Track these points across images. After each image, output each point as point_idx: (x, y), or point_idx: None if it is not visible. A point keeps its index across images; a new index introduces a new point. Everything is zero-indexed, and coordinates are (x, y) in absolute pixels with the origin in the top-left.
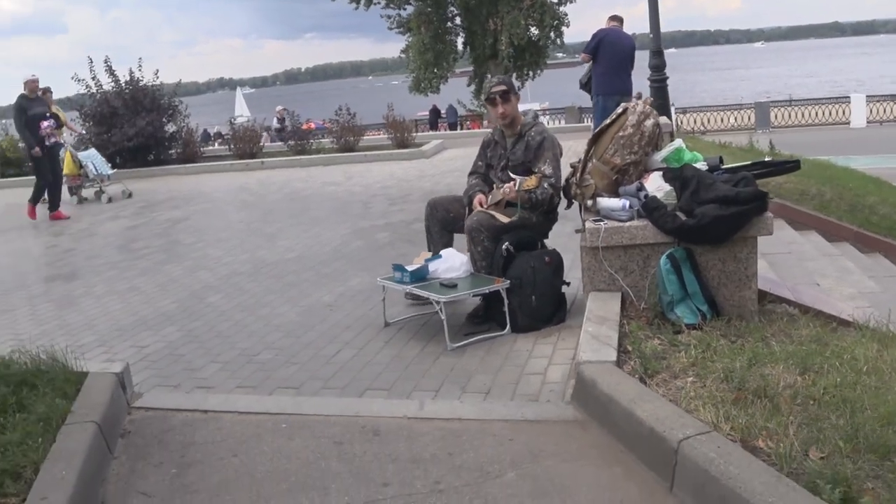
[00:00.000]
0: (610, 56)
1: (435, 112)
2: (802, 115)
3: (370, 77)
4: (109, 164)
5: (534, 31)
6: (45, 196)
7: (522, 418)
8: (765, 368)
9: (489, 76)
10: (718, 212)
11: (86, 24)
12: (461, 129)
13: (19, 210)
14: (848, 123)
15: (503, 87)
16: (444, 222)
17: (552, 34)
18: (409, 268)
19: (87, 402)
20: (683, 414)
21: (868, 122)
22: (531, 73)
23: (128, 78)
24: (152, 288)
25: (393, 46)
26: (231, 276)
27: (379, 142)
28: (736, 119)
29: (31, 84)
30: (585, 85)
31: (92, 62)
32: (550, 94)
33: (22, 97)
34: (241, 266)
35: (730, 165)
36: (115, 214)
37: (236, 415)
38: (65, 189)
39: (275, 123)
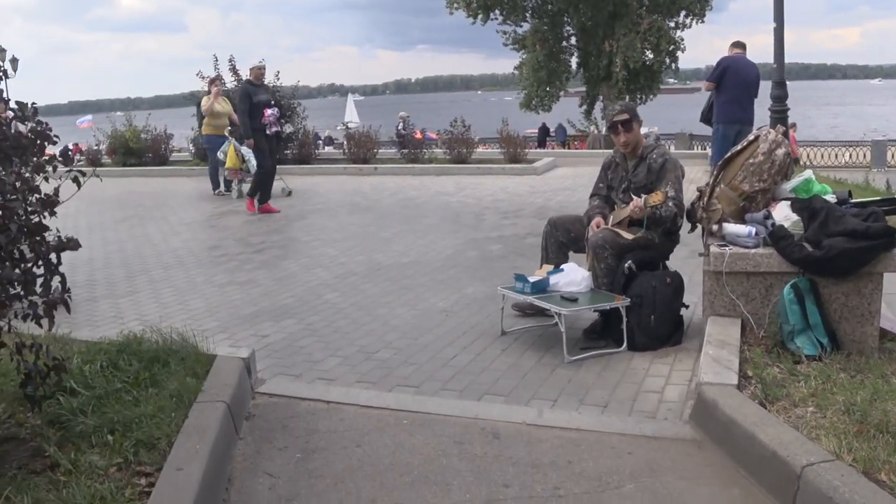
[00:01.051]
0: (734, 84)
1: (544, 130)
2: None
3: (479, 91)
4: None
5: (649, 54)
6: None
7: (640, 433)
8: (886, 405)
9: (601, 98)
10: (846, 245)
11: (206, 24)
12: (568, 148)
13: (136, 197)
14: None
15: (626, 116)
16: (562, 241)
17: (667, 59)
18: (531, 279)
19: (217, 382)
20: (807, 441)
21: None
22: (644, 97)
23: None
24: (271, 281)
25: (503, 63)
26: (347, 276)
27: (490, 155)
28: (851, 156)
29: (258, 70)
30: (707, 115)
31: (217, 60)
32: (661, 120)
33: (248, 83)
34: (356, 267)
35: (859, 200)
36: (234, 209)
37: (358, 407)
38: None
39: (399, 128)
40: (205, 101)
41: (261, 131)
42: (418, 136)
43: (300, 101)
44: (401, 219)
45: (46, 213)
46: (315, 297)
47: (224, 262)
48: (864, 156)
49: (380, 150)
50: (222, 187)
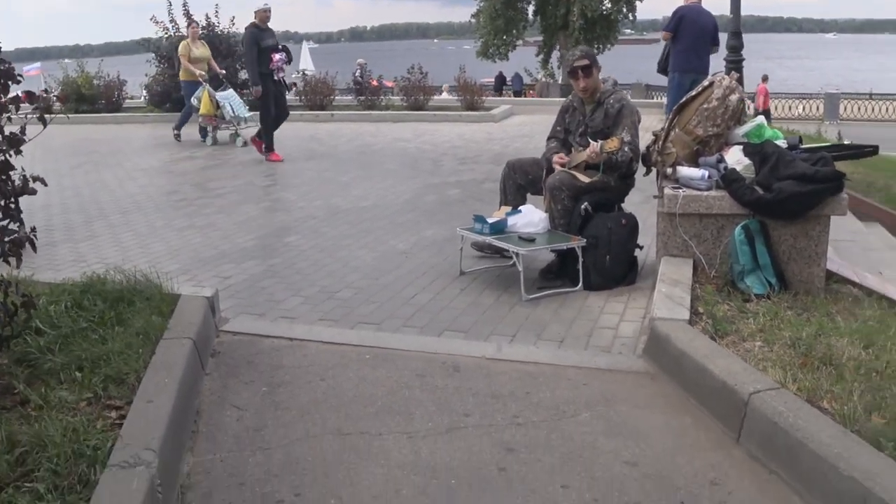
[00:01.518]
0: (690, 33)
1: (500, 79)
2: (872, 110)
3: (435, 40)
4: (247, 107)
5: (606, 4)
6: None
7: (595, 366)
8: (830, 340)
9: (557, 48)
10: (796, 188)
11: None
12: (525, 96)
13: (89, 144)
14: None
15: (585, 61)
16: (520, 183)
17: (625, 8)
18: (490, 220)
19: (182, 320)
20: (754, 371)
21: None
22: (601, 47)
23: (205, 23)
24: (230, 225)
25: (461, 11)
26: (306, 220)
27: (447, 103)
28: (804, 108)
29: (263, 14)
30: (664, 66)
31: (171, 5)
32: (618, 70)
33: (253, 27)
34: (315, 211)
35: (809, 146)
36: (191, 155)
37: (321, 344)
38: (195, 128)
39: (357, 75)
40: (182, 46)
41: (269, 76)
42: (375, 83)
43: None
44: (358, 164)
45: (12, 153)
46: (276, 240)
47: (183, 206)
48: (818, 108)
49: (336, 97)
50: (180, 132)
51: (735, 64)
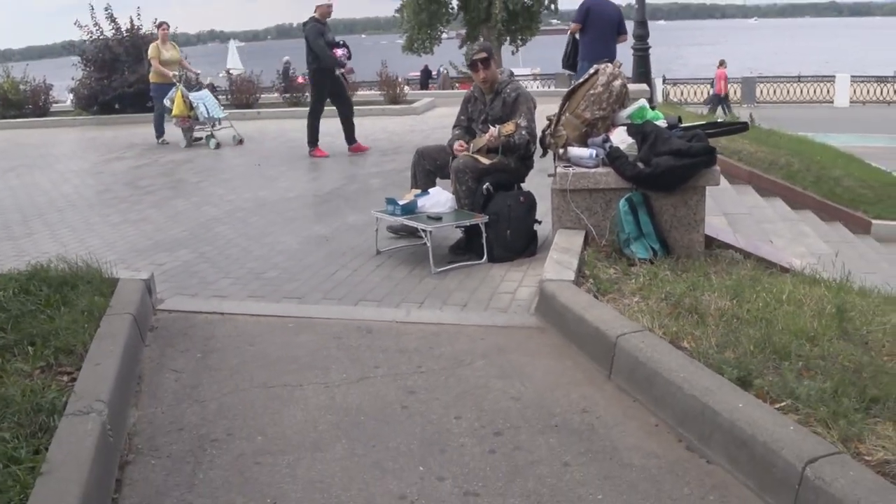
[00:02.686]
0: (597, 25)
1: (426, 73)
2: (787, 92)
3: (363, 35)
4: (223, 107)
5: None
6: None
7: (492, 324)
8: (700, 293)
9: (481, 40)
10: (672, 163)
11: None
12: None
13: (19, 148)
14: (832, 102)
15: (484, 55)
16: (429, 168)
17: (546, 0)
18: (401, 202)
19: (122, 300)
20: (624, 318)
21: (851, 102)
22: (523, 39)
23: (128, 26)
24: (162, 219)
25: (386, 5)
26: (235, 211)
27: (370, 97)
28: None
29: (324, 9)
30: (569, 59)
31: (93, 9)
32: (542, 60)
33: (315, 21)
34: (243, 203)
35: (686, 125)
36: (119, 156)
37: (249, 316)
38: (174, 130)
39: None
40: (152, 48)
41: (326, 72)
42: (300, 80)
43: (182, 49)
44: (285, 159)
45: None
46: (206, 231)
47: (115, 203)
48: (736, 92)
49: (262, 95)
50: (165, 136)
51: (641, 52)
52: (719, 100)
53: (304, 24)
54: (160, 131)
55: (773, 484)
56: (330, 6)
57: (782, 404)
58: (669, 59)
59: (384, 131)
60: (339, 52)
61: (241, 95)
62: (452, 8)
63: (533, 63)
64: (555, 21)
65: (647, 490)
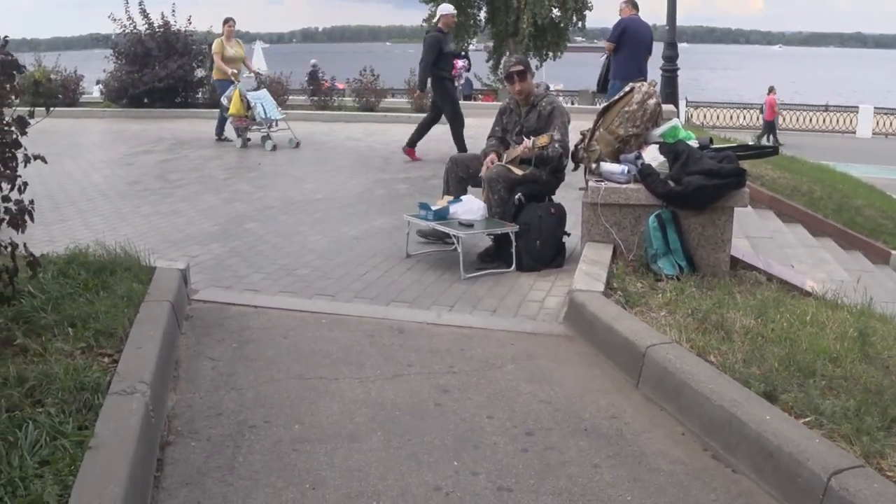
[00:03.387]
0: (632, 44)
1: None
2: (810, 120)
3: (388, 43)
4: (279, 108)
5: (556, 12)
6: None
7: (522, 330)
8: (726, 311)
9: (507, 54)
10: (702, 182)
11: None
12: (474, 101)
13: (49, 136)
14: (854, 133)
15: (520, 67)
16: (462, 176)
17: (574, 17)
18: (434, 207)
19: (160, 287)
20: (653, 330)
21: (874, 134)
22: (550, 55)
23: (161, 22)
24: (193, 212)
25: (412, 14)
26: (264, 209)
27: (397, 104)
28: (745, 118)
29: (448, 19)
30: (603, 84)
31: (128, 3)
32: (566, 77)
33: (438, 31)
34: (272, 201)
35: (717, 146)
36: (149, 149)
37: (282, 311)
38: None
39: (316, 73)
40: (216, 44)
41: (450, 80)
42: (326, 85)
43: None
44: (312, 160)
45: (19, 132)
46: (236, 226)
47: (147, 195)
48: (758, 118)
49: (290, 97)
50: (226, 134)
51: (670, 73)
52: (770, 126)
53: (427, 31)
54: (220, 130)
55: (798, 494)
56: (454, 16)
57: (807, 419)
58: (686, 82)
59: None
60: (460, 63)
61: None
62: (480, 20)
63: (556, 79)
64: (579, 39)
65: (675, 494)
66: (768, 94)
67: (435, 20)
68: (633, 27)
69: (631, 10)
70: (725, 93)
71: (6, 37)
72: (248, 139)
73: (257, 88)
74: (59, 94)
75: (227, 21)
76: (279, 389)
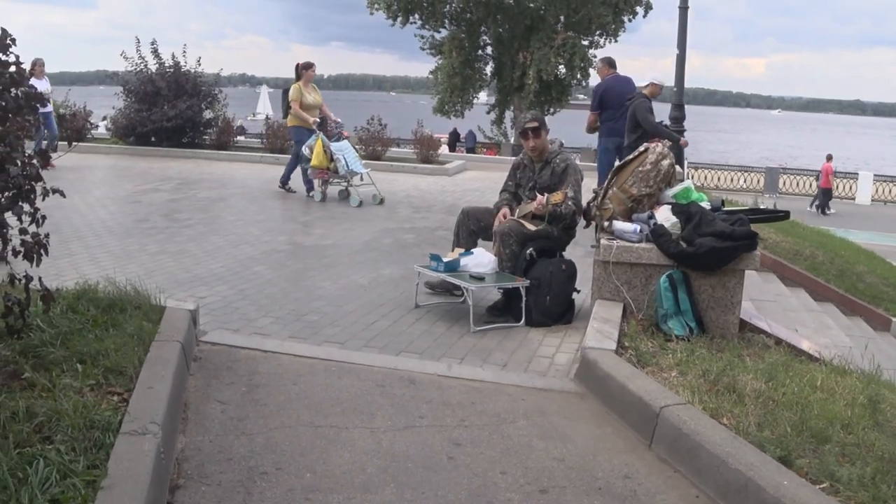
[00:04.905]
0: (610, 106)
1: (454, 135)
2: (810, 185)
3: (392, 93)
4: (362, 161)
5: (561, 69)
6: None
7: (532, 386)
8: (736, 373)
9: (512, 108)
10: (715, 244)
11: (116, 2)
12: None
13: (55, 171)
14: (853, 199)
15: (535, 124)
16: (473, 229)
17: (579, 74)
18: (445, 259)
19: (170, 327)
20: (667, 391)
21: (873, 200)
22: (552, 110)
23: (171, 62)
24: (200, 253)
25: (417, 66)
26: (272, 253)
27: (402, 154)
28: (745, 181)
29: (655, 88)
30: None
31: (139, 42)
32: (567, 133)
33: (644, 97)
34: (280, 245)
35: (729, 209)
36: (156, 188)
37: (292, 356)
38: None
39: (326, 121)
40: (294, 90)
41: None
42: (346, 135)
43: (222, 89)
44: (319, 206)
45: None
46: (244, 269)
47: (154, 233)
48: (758, 181)
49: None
50: (290, 185)
51: (677, 134)
52: (826, 194)
53: (629, 98)
54: (288, 177)
55: None
56: (661, 87)
57: (822, 486)
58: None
59: (416, 189)
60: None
61: (276, 140)
62: (486, 75)
63: (555, 135)
64: (581, 96)
65: None
66: (826, 161)
67: (644, 85)
68: (609, 90)
69: (608, 69)
70: (721, 155)
71: (31, 69)
72: (323, 193)
73: (339, 139)
74: (67, 129)
75: (308, 66)
76: (290, 436)
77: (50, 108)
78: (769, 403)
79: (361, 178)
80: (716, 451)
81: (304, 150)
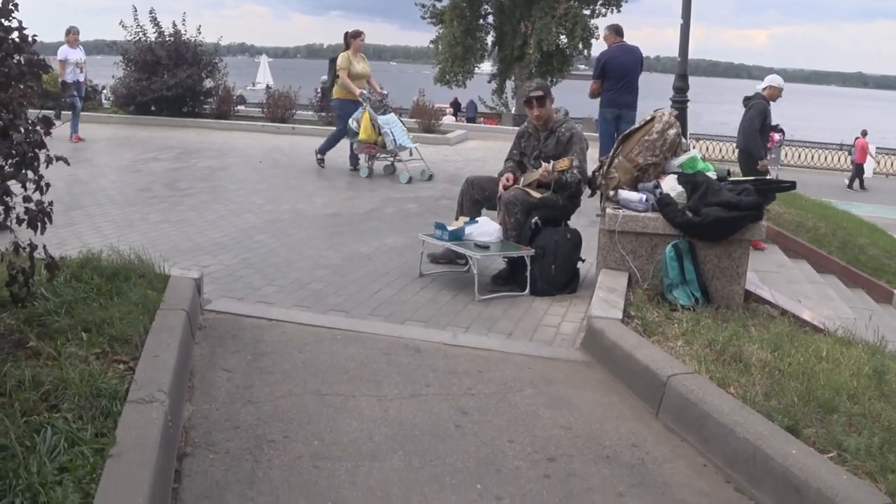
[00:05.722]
0: (612, 76)
1: (455, 105)
2: (812, 157)
3: (393, 62)
4: (410, 135)
5: (563, 39)
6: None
7: (539, 355)
8: (742, 343)
9: (515, 79)
10: (721, 214)
11: None
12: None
13: (55, 141)
14: None
15: (540, 93)
16: (477, 198)
17: (580, 45)
18: (450, 228)
19: (175, 295)
20: (674, 360)
21: (875, 173)
22: (554, 80)
23: (171, 30)
24: (203, 222)
25: (416, 35)
26: (274, 222)
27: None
28: None
29: (777, 91)
30: None
31: (136, 11)
32: (566, 104)
33: (764, 100)
34: (282, 214)
35: (735, 178)
36: (156, 157)
37: (297, 325)
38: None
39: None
40: (342, 59)
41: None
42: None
43: (222, 58)
44: (321, 175)
45: (43, 131)
46: (247, 238)
47: (156, 203)
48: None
49: (297, 112)
50: (325, 157)
51: (680, 104)
52: (860, 169)
53: (748, 98)
54: (327, 149)
55: None
56: (781, 90)
57: (830, 455)
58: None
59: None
60: (777, 136)
61: (277, 110)
62: (487, 44)
63: (556, 105)
64: (582, 66)
65: None
66: (860, 137)
67: (763, 87)
68: (612, 60)
69: (615, 37)
70: (721, 126)
71: (35, 35)
72: (370, 169)
73: (385, 112)
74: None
75: (357, 34)
76: (297, 404)
77: (81, 77)
78: (775, 373)
79: (411, 154)
80: (724, 420)
81: (352, 123)
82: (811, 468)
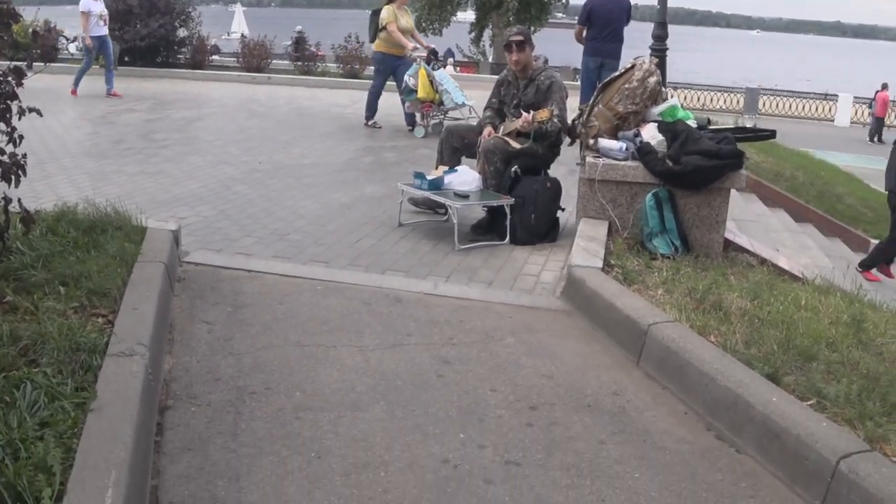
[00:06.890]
0: (597, 24)
1: (433, 53)
2: (789, 107)
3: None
4: (463, 92)
5: None
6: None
7: (519, 304)
8: (721, 291)
9: (492, 27)
10: (701, 162)
11: None
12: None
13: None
14: (832, 121)
15: (520, 37)
16: (456, 146)
17: None
18: (429, 176)
19: (152, 248)
20: (654, 308)
21: (852, 123)
22: (533, 29)
23: None
24: (180, 174)
25: None
26: (252, 173)
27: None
28: (725, 101)
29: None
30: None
31: None
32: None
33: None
34: (259, 165)
35: (715, 127)
36: (130, 108)
37: (277, 276)
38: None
39: (303, 39)
40: (388, 12)
41: None
42: (320, 54)
43: (195, 7)
44: (298, 126)
45: (14, 82)
46: (225, 189)
47: (131, 154)
48: (738, 102)
49: (273, 61)
50: (376, 119)
51: (659, 53)
52: (880, 123)
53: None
54: (372, 110)
55: (805, 476)
56: None
57: (810, 402)
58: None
59: (396, 108)
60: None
61: (253, 59)
62: None
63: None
64: (560, 15)
65: (682, 473)
66: (881, 90)
67: None
68: (598, 6)
69: None
70: (696, 75)
71: None
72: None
73: (435, 68)
74: (36, 49)
75: None
76: (278, 356)
77: (105, 30)
78: (755, 322)
79: (471, 111)
80: (704, 368)
81: (408, 79)
82: (791, 415)
